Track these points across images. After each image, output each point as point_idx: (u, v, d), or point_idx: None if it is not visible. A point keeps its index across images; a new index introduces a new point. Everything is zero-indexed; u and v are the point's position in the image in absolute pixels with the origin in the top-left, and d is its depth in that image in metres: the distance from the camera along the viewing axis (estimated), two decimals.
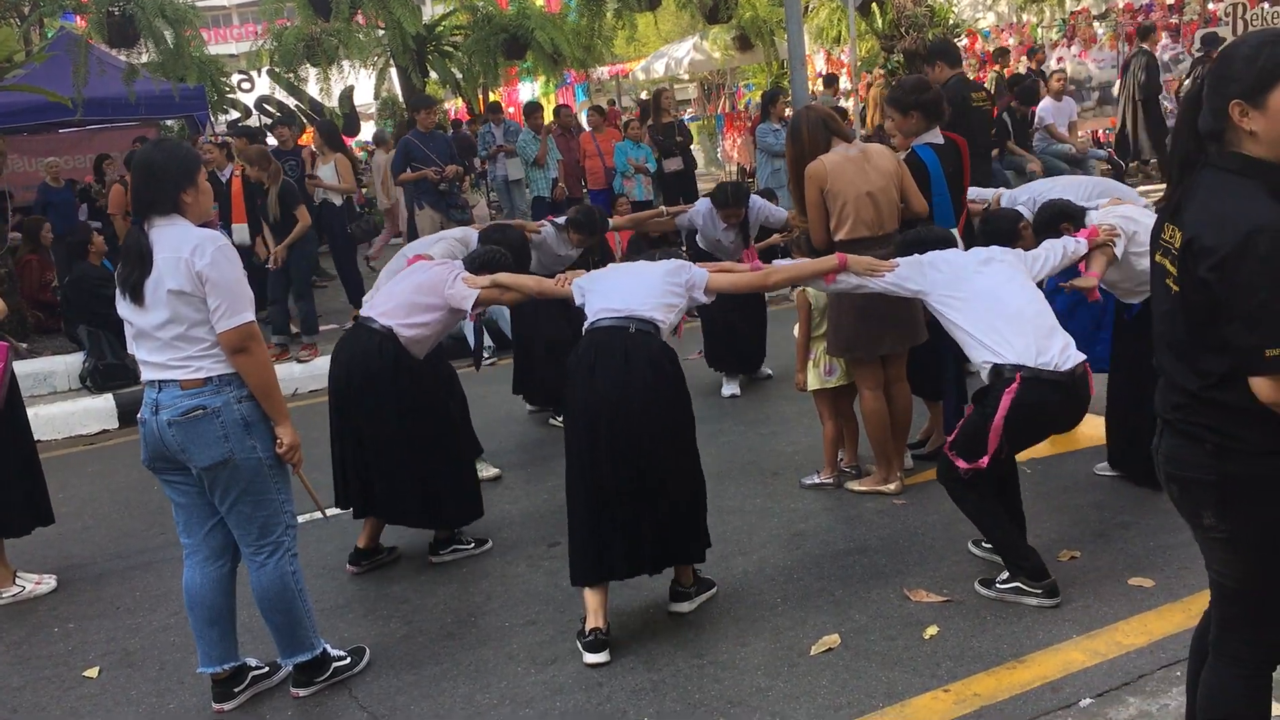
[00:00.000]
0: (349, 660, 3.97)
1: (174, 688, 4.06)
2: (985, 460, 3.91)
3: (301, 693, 3.84)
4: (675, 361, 4.03)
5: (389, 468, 4.66)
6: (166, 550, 5.44)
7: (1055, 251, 4.46)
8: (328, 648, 3.92)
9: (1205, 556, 2.46)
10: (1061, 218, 4.78)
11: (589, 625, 3.92)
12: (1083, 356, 4.00)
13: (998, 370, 3.95)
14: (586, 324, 4.11)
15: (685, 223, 7.33)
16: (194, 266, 3.40)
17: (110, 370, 8.64)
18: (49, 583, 5.11)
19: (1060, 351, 3.93)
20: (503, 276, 4.75)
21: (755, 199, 7.13)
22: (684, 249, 9.21)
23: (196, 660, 3.84)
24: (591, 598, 3.95)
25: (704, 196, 7.46)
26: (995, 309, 4.07)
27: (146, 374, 3.59)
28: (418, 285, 4.77)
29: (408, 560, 5.02)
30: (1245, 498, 2.30)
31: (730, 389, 7.23)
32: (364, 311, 4.84)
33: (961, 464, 3.96)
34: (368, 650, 4.08)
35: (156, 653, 4.36)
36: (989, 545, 4.31)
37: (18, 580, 5.07)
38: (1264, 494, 2.28)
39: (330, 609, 4.57)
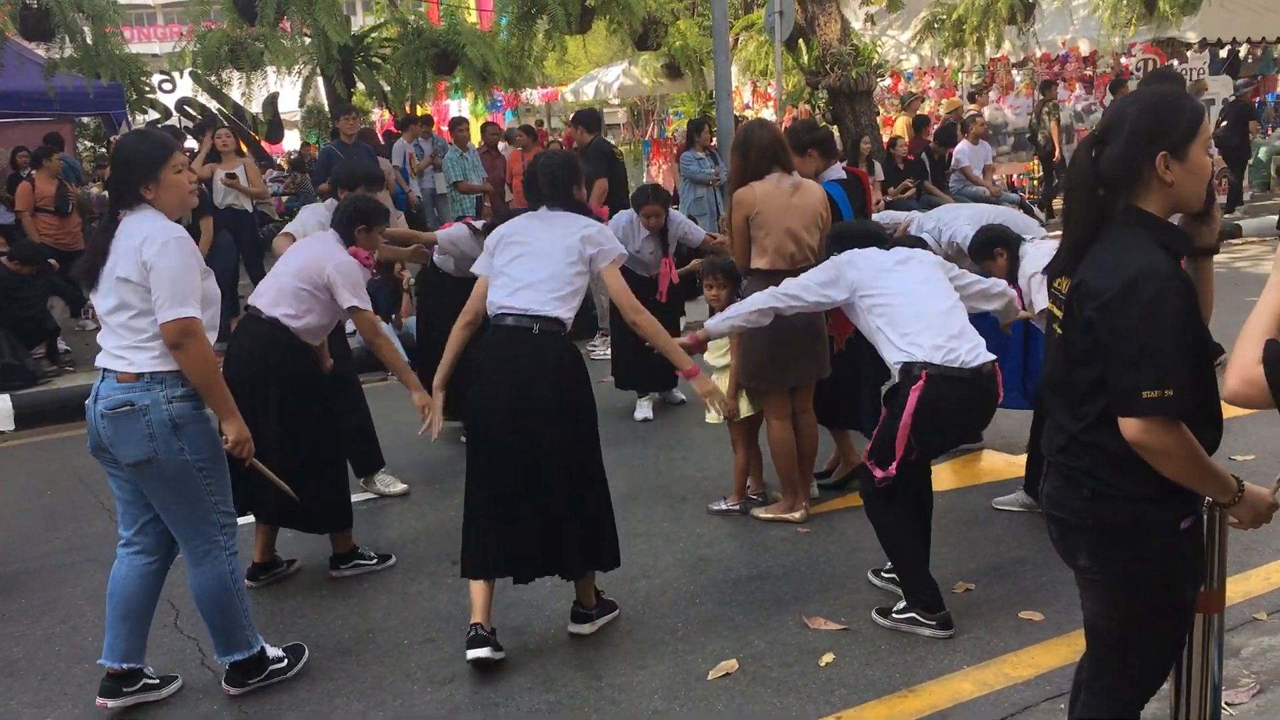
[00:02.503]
0: (286, 662, 3.95)
1: (55, 698, 3.94)
2: (894, 466, 3.96)
3: (234, 691, 3.83)
4: (580, 365, 4.01)
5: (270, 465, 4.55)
6: (57, 557, 5.30)
7: (973, 275, 4.53)
8: (266, 648, 3.90)
9: (1081, 596, 2.53)
10: (996, 243, 4.90)
11: (470, 620, 3.91)
12: (992, 356, 4.06)
13: (906, 368, 4.02)
14: (490, 312, 4.02)
15: None
16: (141, 255, 3.39)
17: (8, 370, 8.38)
18: None
19: (968, 351, 3.99)
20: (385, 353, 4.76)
21: (676, 213, 7.20)
22: None
23: (87, 660, 3.75)
24: (476, 594, 3.93)
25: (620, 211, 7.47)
26: (907, 308, 4.12)
27: (97, 359, 3.58)
28: (297, 270, 4.65)
29: (307, 574, 4.94)
30: (1118, 543, 2.35)
31: (643, 412, 7.25)
32: (251, 300, 4.75)
33: (878, 473, 4.02)
34: (306, 650, 4.07)
35: (39, 662, 4.23)
36: (888, 575, 4.38)
37: None
38: (1136, 540, 2.33)
39: None
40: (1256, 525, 2.39)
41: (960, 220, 5.54)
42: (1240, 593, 4.11)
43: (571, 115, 10.75)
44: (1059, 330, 2.40)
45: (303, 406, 4.62)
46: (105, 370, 3.53)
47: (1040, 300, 4.72)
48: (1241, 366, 2.05)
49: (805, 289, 4.39)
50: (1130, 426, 2.20)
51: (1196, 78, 15.85)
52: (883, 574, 4.44)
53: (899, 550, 4.16)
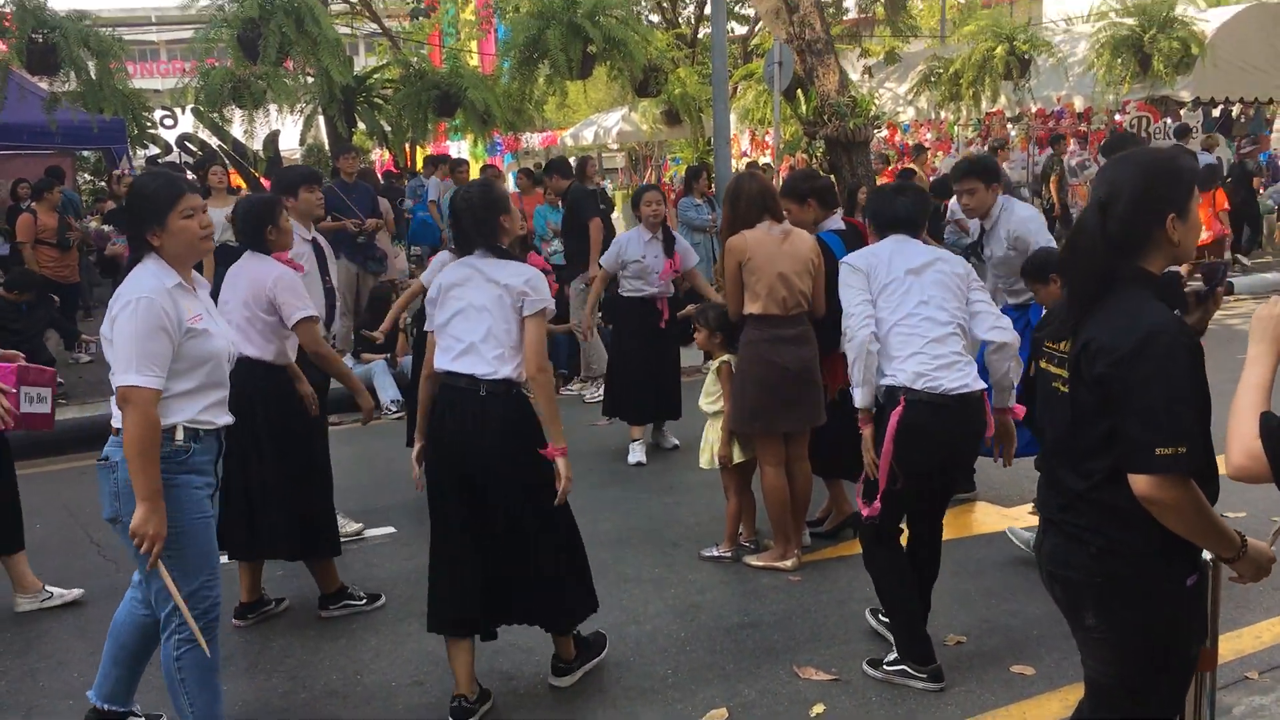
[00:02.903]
0: None
1: None
2: (879, 499, 3.92)
3: None
4: (530, 419, 3.86)
5: (264, 498, 4.58)
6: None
7: (987, 302, 4.23)
8: None
9: (1082, 653, 2.52)
10: (1053, 268, 4.75)
11: (454, 691, 3.86)
12: (981, 385, 3.99)
13: (889, 392, 3.96)
14: (438, 369, 3.87)
15: (613, 263, 7.35)
16: (111, 312, 3.25)
17: None
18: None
19: (953, 379, 3.91)
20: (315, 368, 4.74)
21: (678, 235, 7.56)
22: (602, 319, 9.39)
23: (72, 696, 3.71)
24: (457, 663, 3.87)
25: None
26: (900, 329, 4.00)
27: None
28: (244, 300, 4.57)
29: (296, 613, 4.91)
30: (1127, 600, 2.36)
31: (636, 456, 7.23)
32: None
33: (865, 510, 3.99)
34: None
35: (23, 698, 4.19)
36: (886, 618, 4.35)
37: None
38: (1144, 597, 2.35)
39: None
40: (1258, 579, 2.41)
41: (1038, 221, 5.44)
42: (1232, 651, 4.11)
43: (546, 163, 11.09)
44: (1063, 389, 2.41)
45: (286, 426, 4.63)
46: None
47: None
48: (1242, 441, 2.09)
49: (862, 303, 4.09)
50: (1142, 483, 2.22)
51: (1206, 134, 16.06)
52: (880, 615, 4.42)
53: (891, 599, 4.14)
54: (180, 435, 3.30)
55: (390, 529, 6.00)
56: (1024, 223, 5.38)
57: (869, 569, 4.19)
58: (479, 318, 3.79)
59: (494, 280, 3.80)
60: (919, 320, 4.00)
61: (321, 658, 4.46)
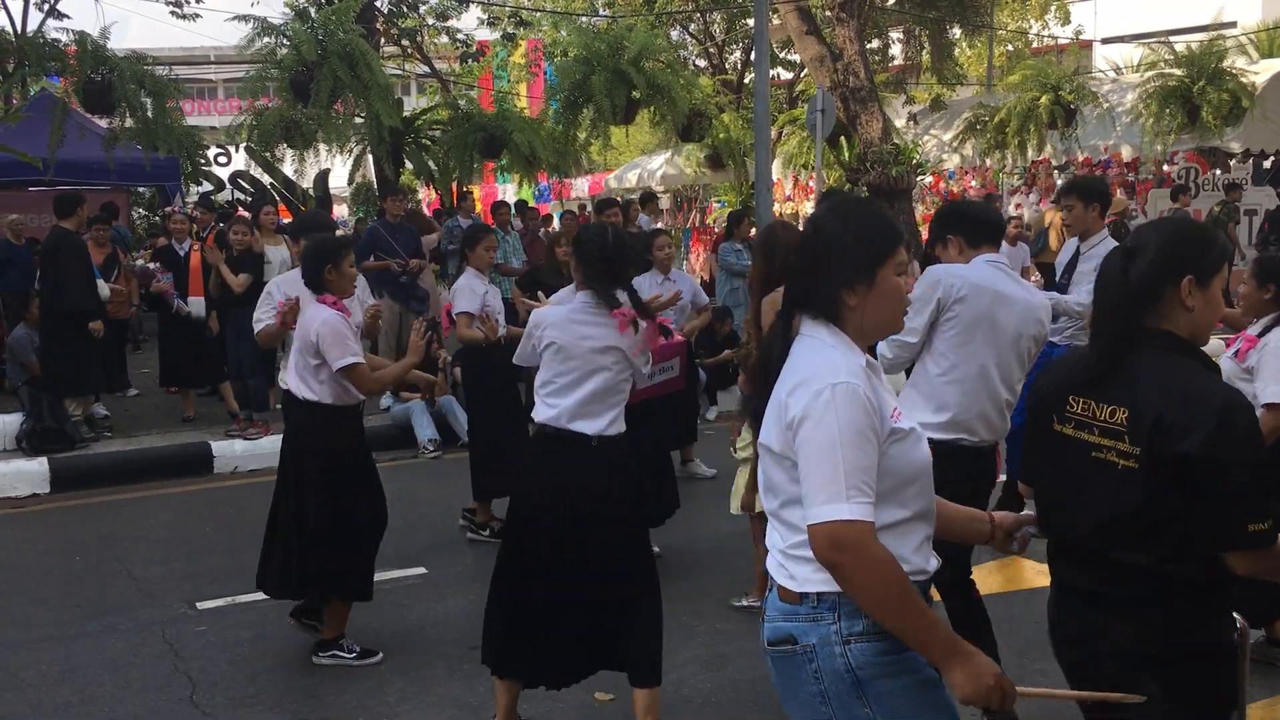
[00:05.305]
0: None
1: None
2: None
3: None
4: (633, 470, 3.99)
5: (286, 540, 4.72)
6: (78, 624, 5.31)
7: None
8: None
9: None
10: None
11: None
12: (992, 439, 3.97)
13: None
14: (541, 421, 3.92)
15: None
16: (785, 408, 2.26)
17: (48, 434, 8.50)
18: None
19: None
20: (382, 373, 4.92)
21: (684, 275, 7.76)
22: None
23: None
24: (503, 696, 3.89)
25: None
26: (955, 391, 3.96)
27: None
28: (299, 346, 4.68)
29: None
30: (1189, 669, 2.32)
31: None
32: (281, 381, 4.92)
33: None
34: None
35: None
36: None
37: None
38: (1205, 663, 2.33)
39: (238, 699, 4.47)
40: None
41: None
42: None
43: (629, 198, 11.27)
44: (1116, 460, 2.32)
45: (332, 467, 4.70)
46: None
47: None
48: None
49: (910, 331, 3.94)
50: (1238, 560, 2.24)
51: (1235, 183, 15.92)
52: None
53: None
54: None
55: (421, 569, 6.01)
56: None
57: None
58: (584, 372, 3.88)
59: (602, 334, 3.89)
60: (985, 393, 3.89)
61: (348, 699, 4.47)
